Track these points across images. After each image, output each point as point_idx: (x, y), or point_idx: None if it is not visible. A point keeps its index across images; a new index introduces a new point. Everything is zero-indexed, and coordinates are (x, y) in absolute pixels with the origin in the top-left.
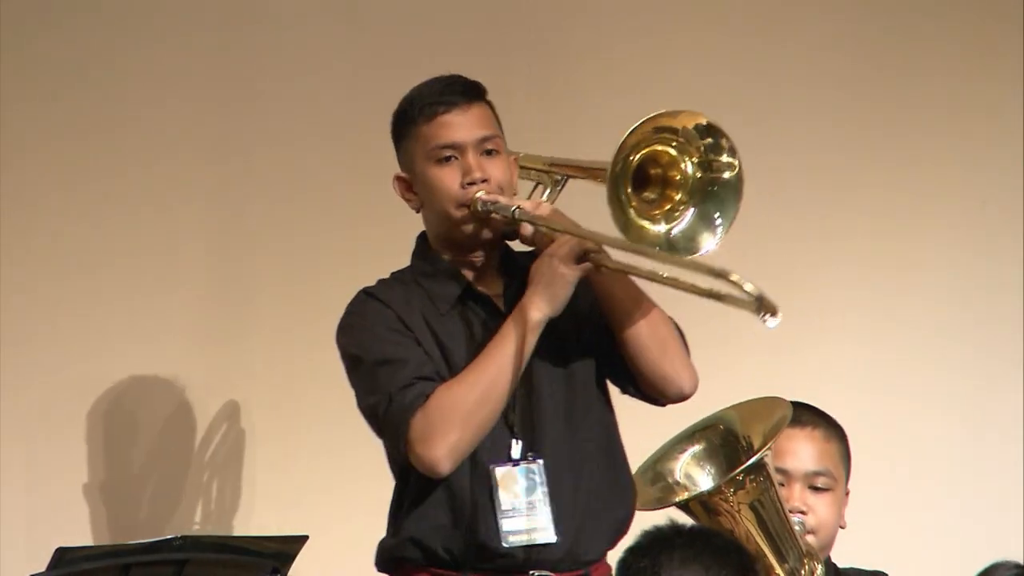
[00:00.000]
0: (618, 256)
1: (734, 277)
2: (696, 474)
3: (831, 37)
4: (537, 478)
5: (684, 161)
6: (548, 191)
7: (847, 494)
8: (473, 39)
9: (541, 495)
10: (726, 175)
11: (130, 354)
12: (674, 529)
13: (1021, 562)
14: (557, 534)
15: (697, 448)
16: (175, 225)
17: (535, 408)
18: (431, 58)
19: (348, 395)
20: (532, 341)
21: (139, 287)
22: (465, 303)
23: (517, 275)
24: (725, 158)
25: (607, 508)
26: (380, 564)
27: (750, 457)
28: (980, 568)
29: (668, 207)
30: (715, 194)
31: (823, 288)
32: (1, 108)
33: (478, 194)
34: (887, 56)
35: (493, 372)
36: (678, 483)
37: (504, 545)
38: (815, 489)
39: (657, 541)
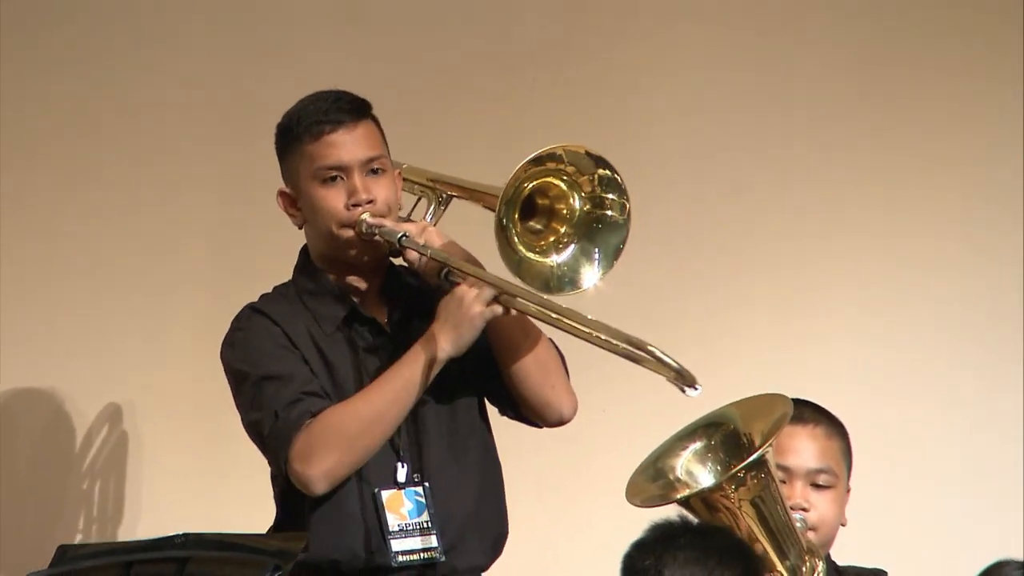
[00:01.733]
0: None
1: (652, 348)
2: (697, 471)
3: (833, 36)
4: (424, 500)
5: (572, 196)
6: (432, 207)
7: (848, 492)
8: (478, 35)
9: (428, 517)
10: (610, 213)
11: (130, 353)
12: (680, 527)
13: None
14: (443, 553)
15: (698, 445)
16: (176, 223)
17: (420, 432)
18: (435, 53)
19: None
20: (428, 379)
21: (140, 286)
22: (351, 325)
23: (403, 297)
24: (613, 196)
25: (488, 528)
26: None
27: (751, 453)
28: (983, 566)
29: (553, 239)
30: (598, 232)
31: (824, 287)
32: (1, 106)
33: (363, 216)
34: (889, 54)
35: (384, 402)
36: (679, 480)
37: (393, 564)
38: (817, 486)
39: (662, 539)
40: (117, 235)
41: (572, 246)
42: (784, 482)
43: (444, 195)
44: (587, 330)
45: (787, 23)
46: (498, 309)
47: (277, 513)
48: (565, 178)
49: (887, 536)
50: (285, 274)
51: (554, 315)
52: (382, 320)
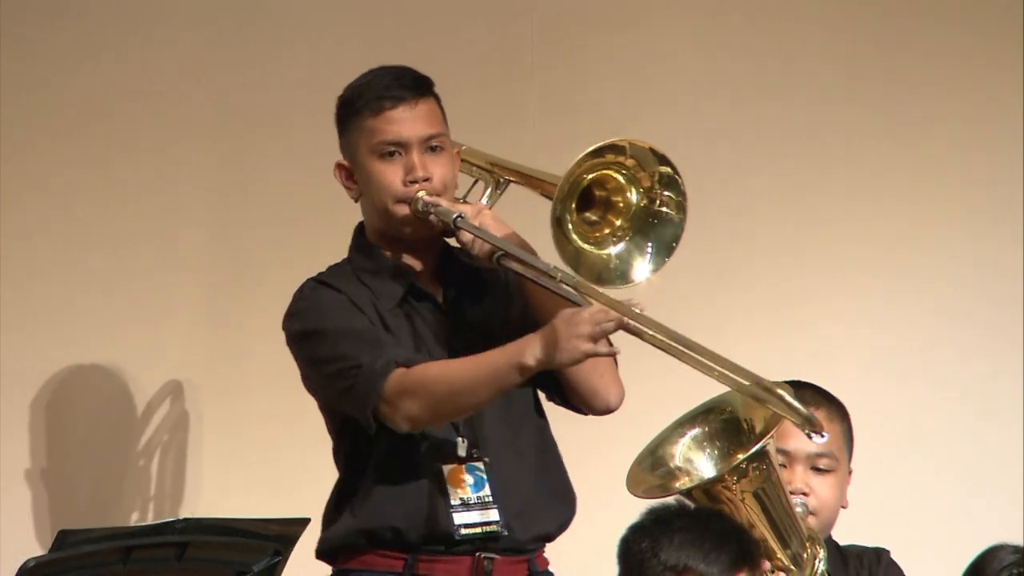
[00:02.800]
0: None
1: (782, 392)
2: (697, 458)
3: (834, 21)
4: (484, 475)
5: (630, 189)
6: (489, 190)
7: (850, 474)
8: (476, 21)
9: (489, 491)
10: (666, 211)
11: (130, 338)
12: (677, 510)
13: (1021, 544)
14: (505, 527)
15: (697, 432)
16: (176, 209)
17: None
18: (431, 37)
19: None
20: (516, 380)
21: (140, 271)
22: (409, 302)
23: (458, 275)
24: (670, 194)
25: (550, 504)
26: (322, 555)
27: (752, 442)
28: (979, 551)
29: (607, 231)
30: (653, 227)
31: (824, 271)
32: (2, 91)
33: (420, 194)
34: (888, 37)
35: (474, 379)
36: (679, 468)
37: (456, 537)
38: (817, 470)
39: (658, 522)
40: (117, 219)
41: (626, 240)
42: (784, 466)
43: (502, 179)
44: (713, 366)
45: (788, 8)
46: (602, 349)
47: (339, 478)
48: (624, 172)
49: (891, 517)
50: (287, 255)
51: (681, 348)
52: (438, 298)
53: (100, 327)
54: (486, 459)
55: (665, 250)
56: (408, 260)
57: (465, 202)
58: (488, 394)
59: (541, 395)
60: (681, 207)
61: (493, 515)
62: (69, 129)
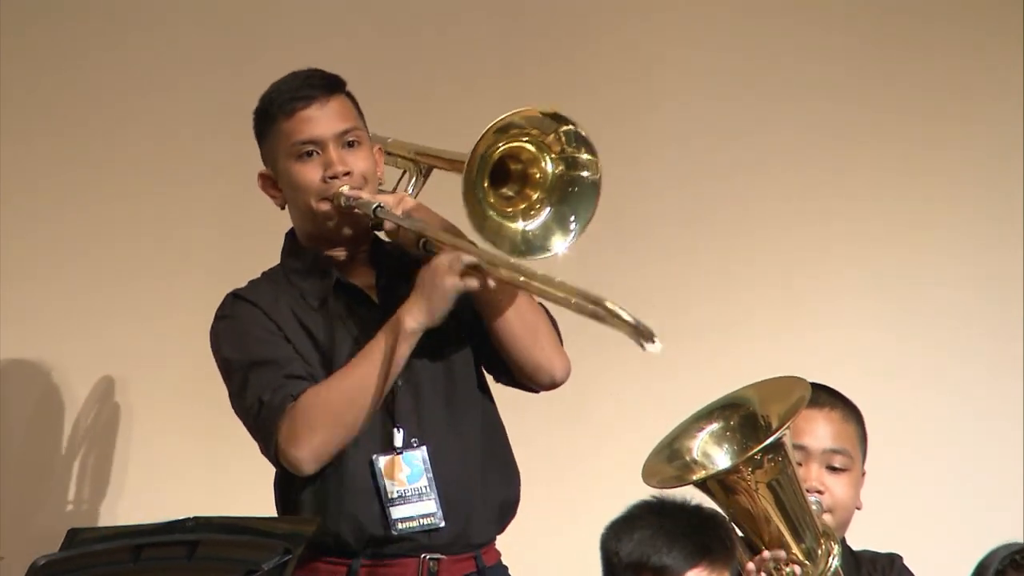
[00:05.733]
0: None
1: (610, 305)
2: (714, 453)
3: (833, 16)
4: (421, 465)
5: (544, 159)
6: (414, 180)
7: (863, 475)
8: (479, 18)
9: (426, 481)
10: (585, 174)
11: (131, 334)
12: (647, 506)
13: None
14: (445, 519)
15: (715, 427)
16: (181, 209)
17: (416, 396)
18: (437, 34)
19: None
20: (406, 349)
21: (142, 270)
22: (337, 296)
23: (388, 265)
24: (585, 155)
25: (493, 493)
26: None
27: (768, 436)
28: (982, 553)
29: (524, 205)
30: (573, 195)
31: (826, 272)
32: (3, 87)
33: (341, 188)
34: (890, 35)
35: (361, 377)
36: (695, 461)
37: (394, 532)
38: (832, 469)
39: (627, 518)
40: (119, 219)
41: (546, 211)
42: (800, 464)
43: (426, 167)
44: (551, 290)
45: (790, 7)
46: (472, 283)
47: (276, 489)
48: (532, 141)
49: (890, 520)
50: None
51: (522, 279)
52: (369, 288)
53: (99, 325)
54: (424, 447)
55: (584, 221)
56: (338, 256)
57: (388, 192)
58: (385, 382)
59: (488, 377)
60: (596, 167)
61: (430, 506)
62: (69, 128)
